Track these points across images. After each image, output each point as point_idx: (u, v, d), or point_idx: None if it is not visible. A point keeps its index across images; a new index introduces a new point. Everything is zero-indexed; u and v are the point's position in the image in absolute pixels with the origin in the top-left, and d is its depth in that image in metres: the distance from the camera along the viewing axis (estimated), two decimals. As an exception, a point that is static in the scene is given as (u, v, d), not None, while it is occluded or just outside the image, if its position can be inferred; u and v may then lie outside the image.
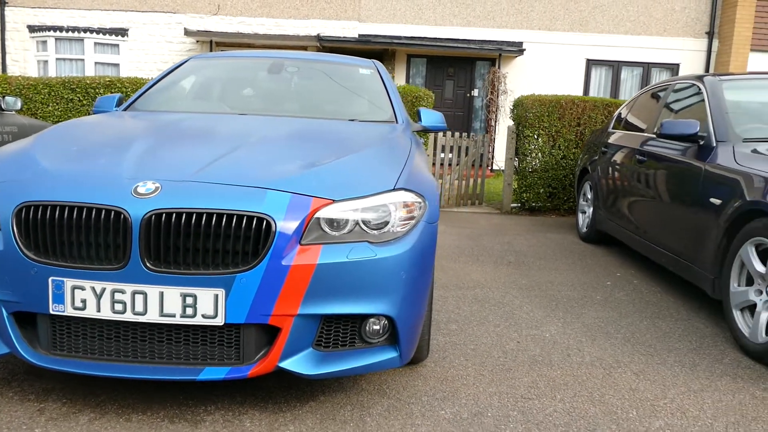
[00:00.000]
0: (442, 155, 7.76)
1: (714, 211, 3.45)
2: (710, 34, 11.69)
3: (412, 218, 2.37)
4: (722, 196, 3.39)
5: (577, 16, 11.84)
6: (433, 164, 7.73)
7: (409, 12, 11.78)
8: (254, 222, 2.06)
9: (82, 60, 11.66)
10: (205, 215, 2.03)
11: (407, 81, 12.17)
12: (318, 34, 11.26)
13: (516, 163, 7.59)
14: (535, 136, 7.30)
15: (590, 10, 11.80)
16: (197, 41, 11.71)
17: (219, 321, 2.05)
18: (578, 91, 12.04)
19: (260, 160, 2.38)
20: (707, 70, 11.78)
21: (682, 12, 11.81)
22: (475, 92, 12.24)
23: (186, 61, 4.14)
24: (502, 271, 4.64)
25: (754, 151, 3.40)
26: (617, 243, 5.85)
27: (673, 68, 11.96)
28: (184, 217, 2.02)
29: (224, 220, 2.04)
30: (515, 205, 7.76)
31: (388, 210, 2.28)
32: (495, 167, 11.61)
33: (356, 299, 2.15)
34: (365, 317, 2.23)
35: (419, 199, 2.45)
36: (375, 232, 2.25)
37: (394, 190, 2.34)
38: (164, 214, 2.02)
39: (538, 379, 2.70)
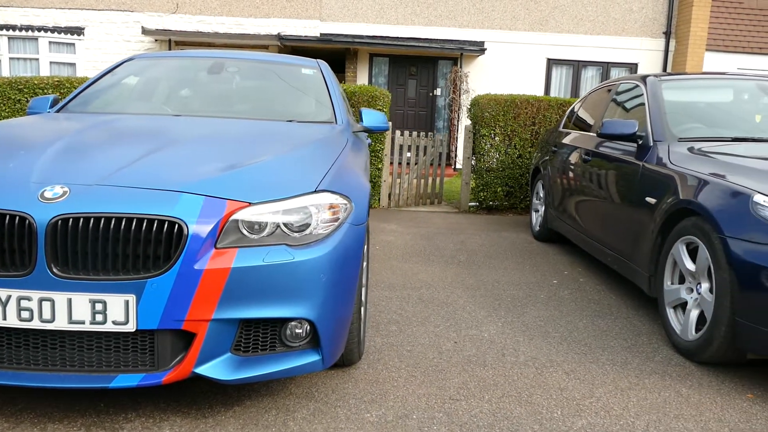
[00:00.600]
0: (403, 155, 7.76)
1: (649, 210, 3.49)
2: (667, 34, 11.89)
3: (336, 220, 2.35)
4: (657, 195, 3.43)
5: (537, 16, 11.94)
6: (391, 163, 7.72)
7: (371, 11, 11.76)
8: (165, 226, 2.01)
9: (37, 59, 11.40)
10: (114, 219, 1.99)
11: (370, 80, 12.16)
12: (278, 34, 11.18)
13: (473, 162, 7.62)
14: (491, 135, 7.33)
15: (550, 10, 11.92)
16: (156, 40, 11.53)
17: (130, 327, 2.00)
18: (539, 91, 12.16)
19: (179, 162, 2.33)
20: (665, 69, 11.98)
21: (640, 12, 11.99)
22: (438, 91, 12.28)
23: (126, 61, 4.06)
24: (451, 270, 4.65)
25: (689, 150, 3.45)
26: (569, 241, 5.91)
27: (632, 68, 12.13)
28: (92, 221, 1.98)
29: (134, 224, 2.00)
30: (473, 204, 7.79)
31: (309, 212, 2.26)
32: (458, 166, 11.65)
33: (275, 303, 2.13)
34: (285, 321, 2.21)
35: (345, 201, 2.44)
36: (297, 234, 2.23)
37: (315, 191, 2.32)
38: (71, 219, 1.97)
39: (470, 379, 2.70)
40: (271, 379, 2.32)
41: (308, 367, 2.26)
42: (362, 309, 2.94)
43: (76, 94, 3.69)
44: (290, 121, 3.44)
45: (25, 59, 11.43)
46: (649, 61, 12.10)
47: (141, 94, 3.71)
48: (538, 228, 5.98)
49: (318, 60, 4.28)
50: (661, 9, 11.94)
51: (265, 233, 2.17)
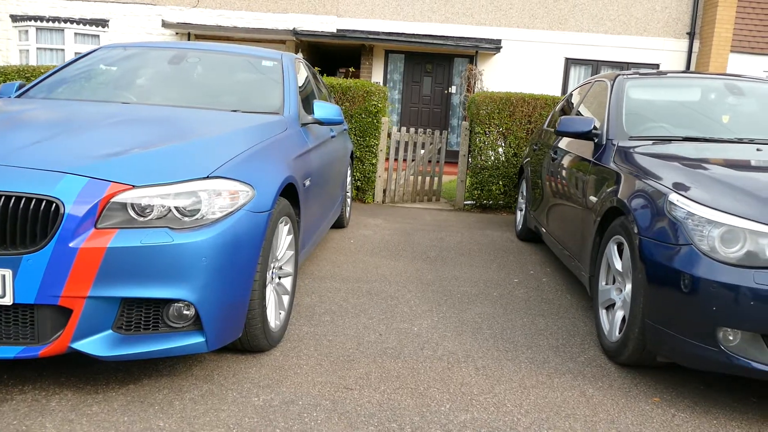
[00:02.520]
0: (400, 151, 7.75)
1: (592, 210, 3.43)
2: (691, 35, 11.56)
3: (232, 206, 2.39)
4: (599, 195, 3.37)
5: (556, 15, 11.76)
6: (387, 159, 7.73)
7: (388, 7, 11.77)
8: (43, 204, 2.09)
9: (63, 50, 11.79)
10: (-6, 197, 2.07)
11: (385, 77, 12.17)
12: (294, 29, 11.29)
13: (469, 160, 7.57)
14: (486, 134, 7.27)
15: (570, 8, 11.72)
16: (177, 33, 11.79)
17: (7, 301, 2.08)
18: (556, 90, 11.96)
19: (81, 145, 2.41)
20: (688, 69, 11.64)
21: (663, 12, 11.68)
22: (453, 89, 12.21)
23: (98, 49, 4.19)
24: (415, 266, 4.65)
25: (633, 149, 3.37)
26: (551, 241, 5.83)
27: (654, 68, 11.82)
28: (-28, 198, 2.06)
29: (12, 202, 2.08)
30: (469, 202, 7.74)
31: (200, 197, 2.31)
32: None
33: (155, 284, 2.18)
34: (168, 302, 2.26)
35: (245, 188, 2.48)
36: (188, 218, 2.28)
37: (207, 177, 2.36)
38: (-46, 195, 2.06)
39: (375, 371, 2.71)
40: (154, 357, 2.36)
41: (191, 348, 2.31)
42: (283, 295, 2.98)
43: (40, 80, 3.82)
44: (235, 111, 3.50)
45: (51, 50, 11.84)
46: (672, 62, 11.78)
47: (99, 82, 3.82)
48: (519, 227, 5.92)
49: (285, 53, 4.32)
50: (685, 9, 11.61)
51: (153, 216, 2.23)
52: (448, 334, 3.23)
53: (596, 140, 3.81)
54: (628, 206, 2.84)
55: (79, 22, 11.75)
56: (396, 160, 7.77)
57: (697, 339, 2.35)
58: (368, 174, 7.46)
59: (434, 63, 12.20)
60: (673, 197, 2.58)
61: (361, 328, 3.23)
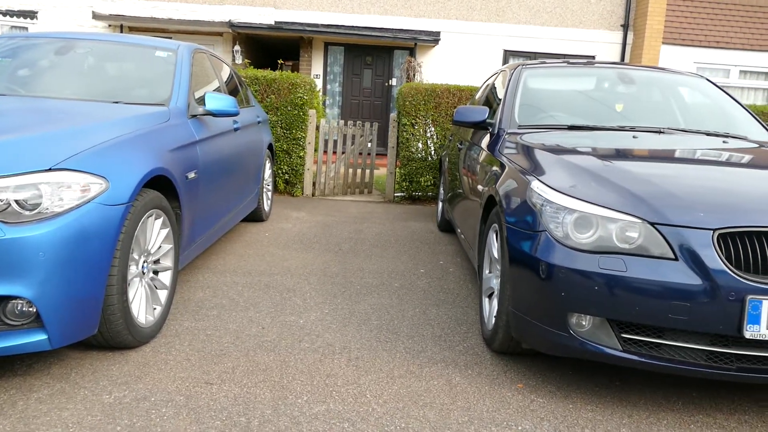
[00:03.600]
0: (329, 144, 7.69)
1: (480, 199, 3.45)
2: (625, 27, 11.77)
3: (81, 199, 2.32)
4: (486, 184, 3.39)
5: (494, 6, 11.83)
6: (315, 151, 7.67)
7: (327, -1, 11.68)
8: None
9: (-10, 42, 11.34)
10: None
11: (325, 69, 12.08)
12: (229, 21, 11.10)
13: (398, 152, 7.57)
14: (413, 125, 7.27)
15: (507, 0, 11.80)
16: (109, 25, 11.48)
17: None
18: (496, 82, 12.05)
19: None
20: (622, 61, 11.85)
21: (598, 4, 11.86)
22: (394, 81, 12.19)
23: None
24: (324, 258, 4.61)
25: (520, 138, 3.39)
26: (470, 232, 5.86)
27: (589, 60, 12.00)
28: None
29: None
30: (399, 194, 7.74)
31: (41, 190, 2.23)
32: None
33: (-14, 280, 2.10)
34: (4, 299, 2.18)
35: (97, 180, 2.41)
36: (27, 212, 2.20)
37: (51, 170, 2.28)
38: None
39: (243, 364, 2.67)
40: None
41: (32, 346, 2.24)
42: (160, 290, 2.91)
43: None
44: (117, 102, 3.41)
45: (-23, 42, 11.38)
46: (607, 54, 11.98)
47: (-22, 73, 3.67)
48: (439, 218, 5.94)
49: (184, 44, 4.22)
50: (619, 1, 11.81)
51: (-11, 209, 2.14)
52: (333, 326, 3.21)
53: (491, 129, 3.83)
54: (500, 194, 2.86)
55: (6, 13, 11.34)
56: (326, 152, 7.72)
57: (552, 325, 2.38)
58: (296, 167, 7.39)
59: (374, 55, 12.16)
60: (534, 184, 2.60)
61: (245, 322, 3.19)
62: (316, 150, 7.67)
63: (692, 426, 2.33)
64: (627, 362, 2.28)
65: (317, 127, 7.59)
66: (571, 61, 4.40)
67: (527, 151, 3.06)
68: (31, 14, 11.35)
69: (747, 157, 2.90)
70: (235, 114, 3.88)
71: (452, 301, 3.74)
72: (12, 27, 11.41)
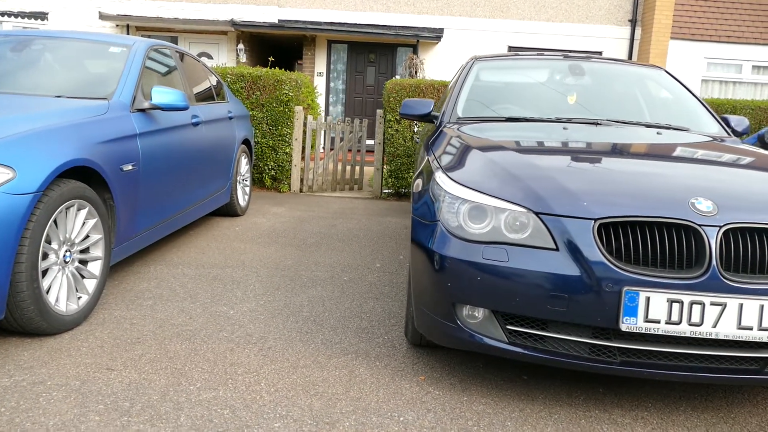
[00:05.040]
0: (317, 140, 7.72)
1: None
2: (633, 22, 11.55)
3: (-19, 188, 2.38)
4: (420, 177, 3.36)
5: (498, 2, 11.72)
6: (304, 148, 7.71)
7: (330, -3, 11.71)
8: None
9: (3, 43, 11.66)
10: None
11: (328, 67, 12.13)
12: (232, 19, 11.22)
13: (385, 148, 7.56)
14: (398, 121, 7.26)
15: (511, -4, 11.70)
16: (117, 25, 11.71)
17: None
18: (500, 79, 11.93)
19: None
20: (630, 57, 11.64)
21: (605, -1, 11.68)
22: (397, 78, 12.16)
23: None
24: (284, 252, 4.64)
25: (457, 130, 3.35)
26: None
27: (596, 55, 11.81)
28: None
29: None
30: (387, 190, 7.73)
31: (-64, 179, 2.29)
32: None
33: None
34: None
35: (3, 170, 2.47)
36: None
37: (-53, 159, 2.35)
38: None
39: (152, 352, 2.70)
40: None
41: (-73, 331, 2.30)
42: (87, 279, 2.97)
43: None
44: (59, 96, 3.49)
45: (-9, 43, 11.71)
46: (614, 50, 11.78)
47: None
48: (414, 213, 5.91)
49: (141, 41, 4.29)
50: (626, -4, 11.62)
51: None
52: (262, 317, 3.23)
53: (435, 122, 3.81)
54: (413, 187, 2.84)
55: (18, 15, 11.66)
56: (314, 148, 7.75)
57: (443, 317, 2.36)
58: (282, 163, 7.44)
59: (377, 53, 12.17)
60: (437, 175, 2.59)
61: (175, 312, 3.23)
62: (312, 147, 7.70)
63: (583, 421, 2.29)
64: (513, 355, 2.25)
65: (305, 124, 7.63)
66: (527, 53, 4.34)
67: (449, 143, 3.03)
68: (42, 15, 11.64)
69: (668, 149, 2.83)
70: (184, 108, 3.92)
71: (394, 294, 3.73)
72: (24, 28, 11.72)
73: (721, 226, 2.08)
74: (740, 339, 2.05)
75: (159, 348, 2.75)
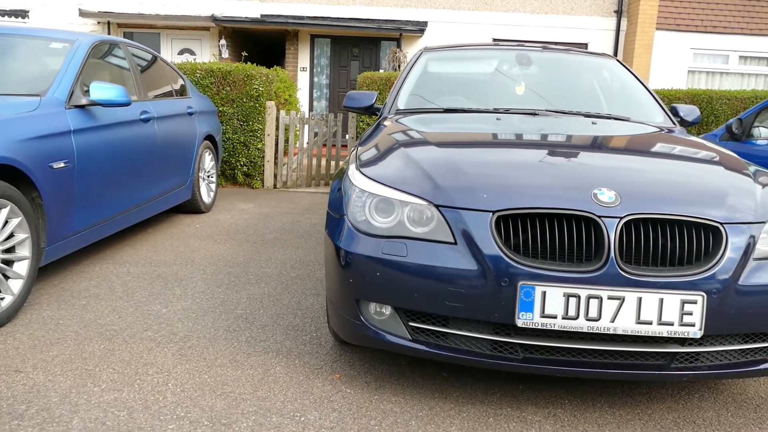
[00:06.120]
0: (290, 135, 7.66)
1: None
2: (619, 13, 11.42)
3: None
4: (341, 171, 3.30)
5: (482, -5, 11.62)
6: (276, 144, 7.65)
7: (312, -9, 11.62)
8: None
9: (-14, 42, 11.62)
10: None
11: (312, 62, 12.05)
12: (213, 15, 11.15)
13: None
14: (369, 116, 7.19)
15: (495, -12, 11.58)
16: (98, 22, 11.65)
17: None
18: (485, 72, 11.82)
19: None
20: (616, 48, 11.52)
21: (589, -10, 11.55)
22: (381, 72, 12.06)
23: None
24: (239, 248, 4.59)
25: (390, 123, 3.29)
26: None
27: (582, 47, 11.68)
28: None
29: None
30: (362, 185, 7.65)
31: None
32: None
33: None
34: None
35: None
36: None
37: None
38: None
39: (68, 353, 2.65)
40: None
41: None
42: (13, 279, 2.92)
43: None
44: (-9, 93, 3.44)
45: (-27, 42, 11.67)
46: (600, 41, 11.66)
47: None
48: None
49: (86, 36, 4.23)
50: (611, -14, 11.48)
51: None
52: (193, 315, 3.18)
53: (378, 115, 3.74)
54: (332, 182, 2.78)
55: (-1, 13, 11.63)
56: (288, 143, 7.69)
57: (349, 314, 2.30)
58: (254, 159, 7.38)
59: (361, 47, 12.08)
60: (350, 170, 2.52)
61: (107, 311, 3.18)
62: (287, 141, 7.64)
63: (491, 419, 2.23)
64: (416, 352, 2.19)
65: (277, 119, 7.57)
66: (478, 43, 4.27)
67: (377, 136, 2.97)
68: (22, 13, 11.60)
69: (590, 140, 2.75)
70: (126, 104, 3.87)
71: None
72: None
73: (621, 218, 2.02)
74: (639, 334, 1.98)
75: (76, 349, 2.70)
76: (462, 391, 2.44)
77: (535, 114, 3.28)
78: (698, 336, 1.99)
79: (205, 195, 5.88)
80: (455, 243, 2.08)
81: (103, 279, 3.72)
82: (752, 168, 2.55)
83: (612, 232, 2.00)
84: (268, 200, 6.79)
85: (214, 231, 5.15)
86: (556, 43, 11.66)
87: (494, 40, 11.73)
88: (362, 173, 2.41)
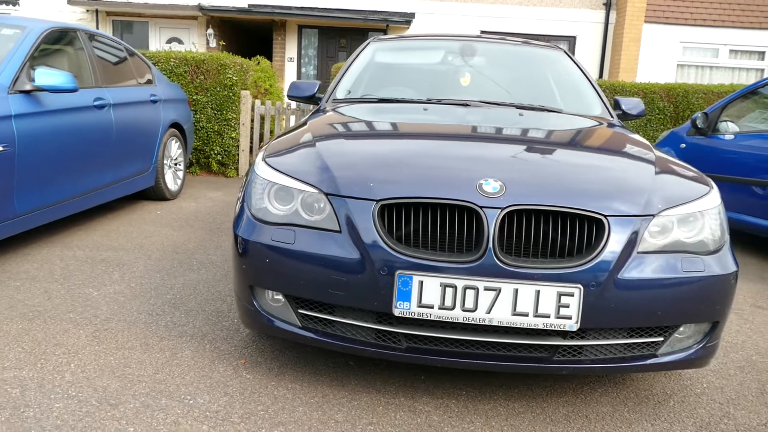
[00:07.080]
0: (266, 125, 7.67)
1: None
2: (607, 5, 11.34)
3: None
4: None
5: (470, -14, 11.56)
6: (252, 133, 7.66)
7: (301, -19, 11.59)
8: None
9: (-24, 27, 11.68)
10: None
11: (299, 52, 12.04)
12: (199, 4, 11.16)
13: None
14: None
15: (484, -21, 11.52)
16: (87, 10, 11.68)
17: None
18: (473, 64, 11.78)
19: None
20: (605, 42, 11.44)
21: (579, -18, 11.47)
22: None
23: None
24: (192, 235, 4.61)
25: (322, 114, 3.30)
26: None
27: (571, 41, 11.63)
28: None
29: None
30: (336, 175, 7.67)
31: None
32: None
33: None
34: None
35: None
36: None
37: None
38: None
39: (-18, 333, 2.69)
40: None
41: None
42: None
43: None
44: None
45: (-37, 27, 11.72)
46: (590, 34, 11.59)
47: None
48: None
49: (38, 22, 4.25)
50: (600, -21, 11.39)
51: None
52: (122, 299, 3.21)
53: (319, 104, 3.75)
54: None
55: (-11, -1, 11.67)
56: (262, 133, 7.71)
57: (244, 299, 2.32)
58: (228, 148, 7.40)
59: (348, 38, 12.06)
60: (257, 160, 2.54)
61: (38, 293, 3.21)
62: (272, 132, 7.66)
63: (380, 408, 2.25)
64: (305, 340, 2.21)
65: (253, 109, 7.58)
66: (426, 33, 4.26)
67: (300, 125, 2.98)
68: (12, 1, 11.64)
69: (510, 131, 2.76)
70: (72, 90, 3.89)
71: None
72: (-4, 12, 11.73)
73: (503, 208, 2.02)
74: (515, 326, 1.99)
75: (-7, 330, 2.74)
76: (361, 379, 2.46)
77: (467, 105, 3.28)
78: (574, 329, 1.99)
79: (171, 182, 5.91)
80: (340, 231, 2.10)
81: (46, 262, 3.75)
82: (661, 158, 2.54)
83: (492, 222, 2.00)
84: (236, 189, 6.81)
85: (173, 218, 5.18)
86: (545, 36, 11.61)
87: (482, 32, 11.68)
88: (266, 163, 2.43)
